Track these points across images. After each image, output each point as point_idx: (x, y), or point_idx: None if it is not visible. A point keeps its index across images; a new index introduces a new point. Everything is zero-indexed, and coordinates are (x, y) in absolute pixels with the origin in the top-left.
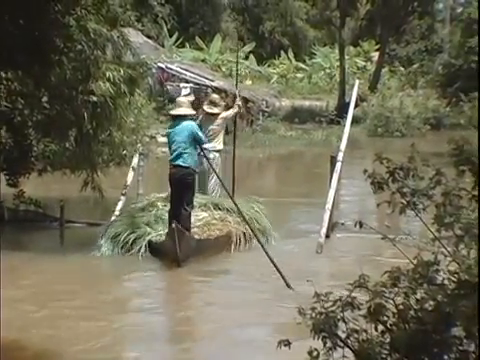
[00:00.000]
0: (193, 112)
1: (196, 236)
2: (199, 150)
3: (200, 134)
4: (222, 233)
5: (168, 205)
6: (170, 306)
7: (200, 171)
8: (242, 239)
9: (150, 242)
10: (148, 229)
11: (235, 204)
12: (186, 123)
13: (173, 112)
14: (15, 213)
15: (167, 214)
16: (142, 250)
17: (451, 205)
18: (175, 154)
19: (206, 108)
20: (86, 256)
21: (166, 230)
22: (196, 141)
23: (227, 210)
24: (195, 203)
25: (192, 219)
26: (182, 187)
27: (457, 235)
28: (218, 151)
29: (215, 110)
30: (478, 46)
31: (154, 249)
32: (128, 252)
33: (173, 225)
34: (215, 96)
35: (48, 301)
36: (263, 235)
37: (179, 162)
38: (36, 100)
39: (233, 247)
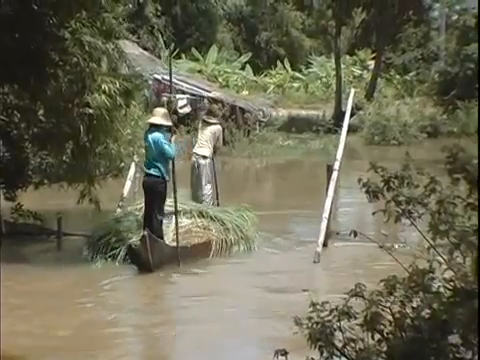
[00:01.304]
0: (169, 123)
1: (173, 243)
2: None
3: (165, 147)
4: (201, 241)
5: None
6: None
7: (195, 177)
8: (222, 247)
9: (130, 247)
10: (129, 234)
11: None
12: (155, 134)
13: (149, 120)
14: (13, 226)
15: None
16: (122, 255)
17: (446, 213)
18: (147, 163)
19: (205, 117)
20: (82, 267)
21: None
22: (161, 153)
23: (211, 218)
24: (180, 210)
25: (172, 227)
26: (153, 195)
27: (452, 243)
28: (205, 157)
29: (213, 120)
30: (478, 48)
31: (132, 254)
32: (111, 258)
33: (145, 232)
34: (215, 106)
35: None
36: (246, 243)
37: (150, 171)
38: (32, 113)
39: (211, 255)
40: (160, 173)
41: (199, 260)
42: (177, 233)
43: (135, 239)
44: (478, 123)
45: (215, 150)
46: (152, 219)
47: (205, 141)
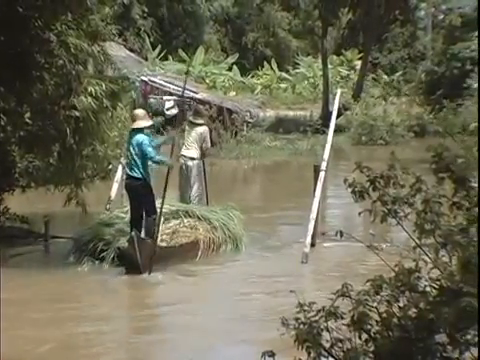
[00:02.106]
0: (149, 123)
1: (162, 243)
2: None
3: (148, 149)
4: (188, 240)
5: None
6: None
7: (184, 179)
8: (210, 246)
9: (118, 249)
10: (117, 237)
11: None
12: (138, 136)
13: (132, 126)
14: (0, 230)
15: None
16: (110, 257)
17: (431, 212)
18: (129, 165)
19: (191, 118)
20: (69, 270)
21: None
22: (144, 155)
23: (198, 218)
24: (166, 210)
25: (162, 227)
26: (139, 197)
27: (438, 242)
28: (192, 159)
29: (199, 120)
30: (478, 48)
31: (120, 255)
32: (98, 261)
33: (132, 233)
34: (201, 107)
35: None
36: (233, 242)
37: (132, 173)
38: (18, 116)
39: (199, 254)
40: (141, 175)
41: (187, 260)
42: (156, 241)
43: (123, 241)
44: (478, 123)
45: (203, 152)
46: (140, 220)
47: (192, 142)
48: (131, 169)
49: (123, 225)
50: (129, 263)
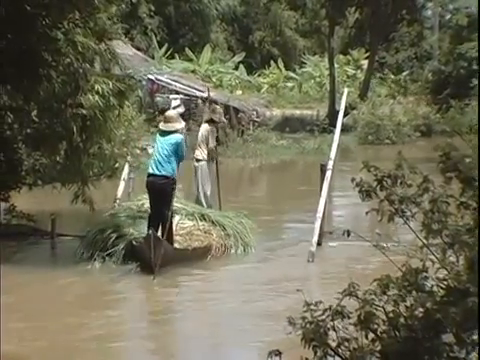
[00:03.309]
0: (182, 125)
1: (176, 244)
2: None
3: (183, 150)
4: (202, 244)
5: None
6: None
7: (194, 179)
8: (221, 252)
9: (131, 244)
10: (131, 230)
11: None
12: (175, 136)
13: (162, 127)
14: (7, 228)
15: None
16: (120, 254)
17: (439, 212)
18: (155, 163)
19: (215, 118)
20: (77, 268)
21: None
22: (177, 155)
23: (212, 222)
24: (182, 211)
25: (177, 227)
26: (162, 196)
27: (445, 242)
28: (198, 160)
29: (221, 120)
30: (478, 47)
31: (133, 251)
32: (108, 257)
33: (150, 232)
34: (216, 106)
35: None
36: (244, 249)
37: (159, 172)
38: (25, 114)
39: (210, 258)
40: (171, 174)
41: (198, 261)
42: (172, 244)
43: (135, 235)
44: (478, 123)
45: (208, 151)
46: (159, 219)
47: (198, 143)
48: (157, 168)
49: (132, 219)
50: (142, 260)
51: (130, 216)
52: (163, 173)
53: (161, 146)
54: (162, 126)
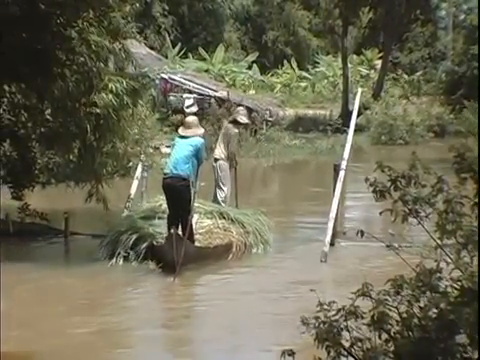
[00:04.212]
0: (201, 131)
1: (197, 243)
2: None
3: (204, 154)
4: (222, 242)
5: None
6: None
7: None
8: (242, 250)
9: (152, 244)
10: (151, 230)
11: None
12: (197, 139)
13: (182, 133)
14: (20, 226)
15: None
16: (140, 253)
17: (453, 212)
18: (174, 164)
19: (240, 119)
20: (90, 267)
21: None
22: (197, 158)
23: (232, 220)
24: (201, 210)
25: (196, 226)
26: (180, 197)
27: (459, 242)
28: (216, 160)
29: (245, 120)
30: (478, 49)
31: (154, 252)
32: (128, 256)
33: (172, 231)
34: (241, 108)
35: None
36: (264, 247)
37: (178, 172)
38: (39, 113)
39: (231, 257)
40: (189, 175)
41: (218, 261)
42: (178, 251)
43: (155, 236)
44: (478, 123)
45: (228, 152)
46: (179, 219)
47: (218, 143)
48: (175, 167)
49: (155, 220)
50: (164, 260)
51: (148, 217)
52: (181, 173)
53: (181, 147)
54: (182, 132)
